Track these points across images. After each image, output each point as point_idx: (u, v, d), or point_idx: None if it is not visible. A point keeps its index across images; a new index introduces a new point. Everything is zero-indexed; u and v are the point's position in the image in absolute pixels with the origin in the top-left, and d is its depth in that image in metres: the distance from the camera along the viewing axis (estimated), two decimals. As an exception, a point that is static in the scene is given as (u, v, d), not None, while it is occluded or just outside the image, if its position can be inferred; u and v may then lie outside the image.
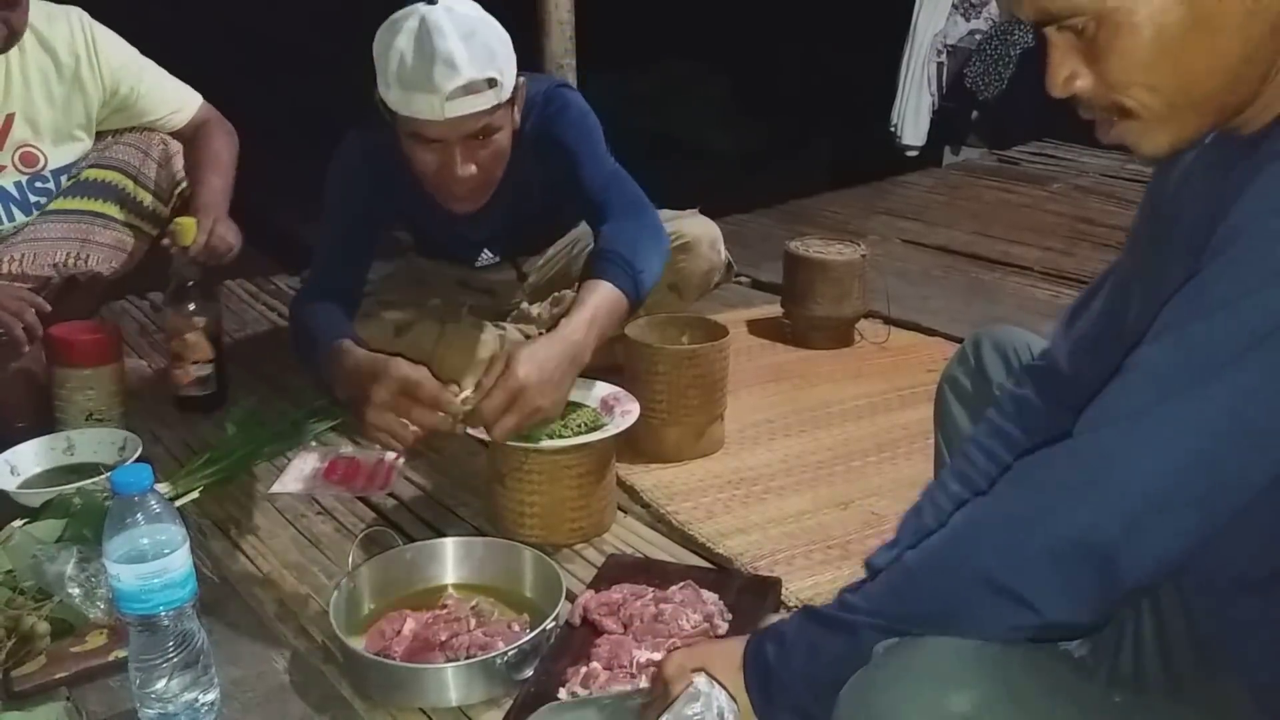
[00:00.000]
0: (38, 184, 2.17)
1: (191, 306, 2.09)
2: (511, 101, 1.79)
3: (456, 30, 1.66)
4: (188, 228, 2.03)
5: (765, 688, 0.99)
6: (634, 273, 1.72)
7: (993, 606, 0.88)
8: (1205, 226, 0.85)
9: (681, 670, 1.04)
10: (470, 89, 1.68)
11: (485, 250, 2.20)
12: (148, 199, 2.26)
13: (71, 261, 2.13)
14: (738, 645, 1.03)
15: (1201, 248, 0.84)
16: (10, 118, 2.12)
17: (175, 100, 2.28)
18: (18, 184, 2.15)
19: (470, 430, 1.61)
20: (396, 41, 1.68)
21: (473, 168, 1.78)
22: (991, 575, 0.88)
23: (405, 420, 1.54)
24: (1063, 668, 0.95)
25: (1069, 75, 0.89)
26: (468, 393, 1.58)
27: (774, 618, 1.50)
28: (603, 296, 1.69)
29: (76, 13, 2.17)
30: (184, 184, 2.28)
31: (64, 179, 2.20)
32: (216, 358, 2.16)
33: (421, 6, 1.69)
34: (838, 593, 1.00)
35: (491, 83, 1.70)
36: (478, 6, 1.75)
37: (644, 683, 1.28)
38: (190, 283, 2.09)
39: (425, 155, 1.78)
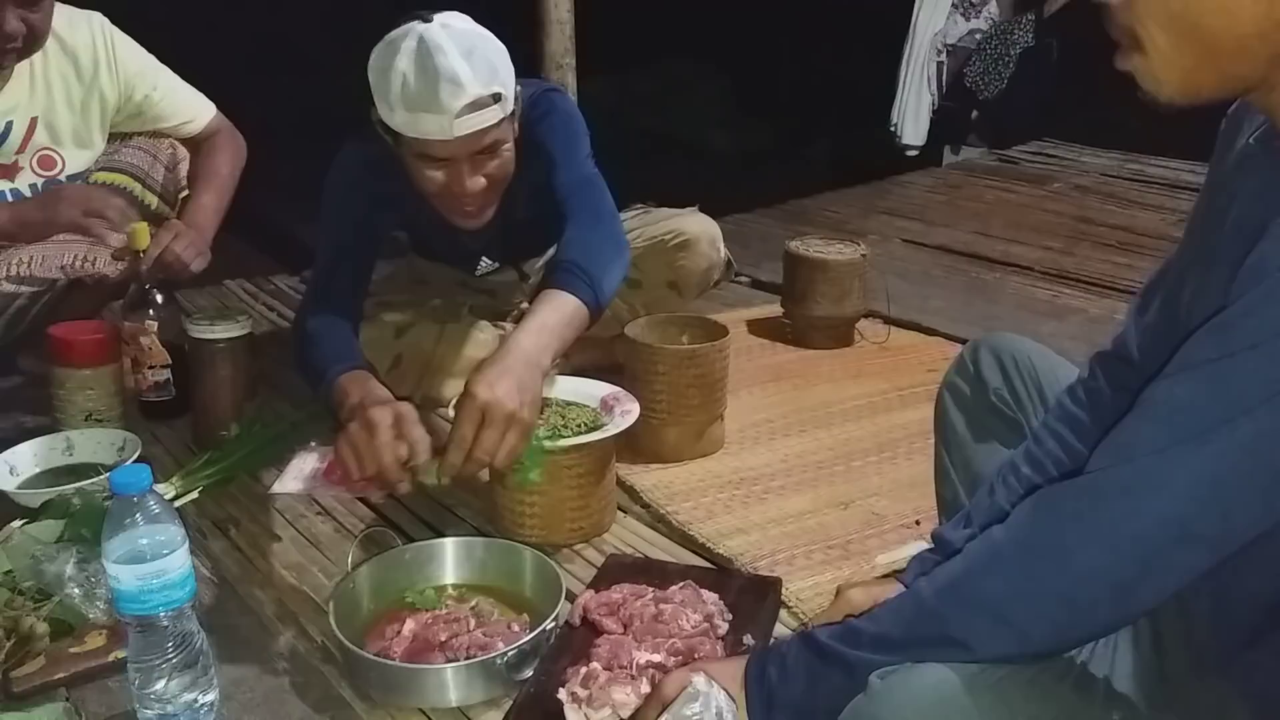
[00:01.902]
0: (52, 188, 2.17)
1: (149, 311, 2.03)
2: (514, 113, 1.79)
3: (457, 48, 1.65)
4: (140, 233, 2.02)
5: (768, 711, 0.99)
6: (589, 279, 1.67)
7: (1002, 637, 0.89)
8: (1252, 231, 0.85)
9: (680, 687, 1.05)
10: (477, 105, 1.68)
11: (483, 258, 2.20)
12: (154, 202, 2.27)
13: (79, 264, 2.13)
14: (738, 665, 1.04)
15: (1247, 252, 0.84)
16: (33, 121, 2.12)
17: (188, 110, 2.28)
18: (33, 187, 2.15)
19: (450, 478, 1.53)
20: (397, 63, 1.66)
21: (481, 180, 1.78)
22: (1003, 608, 0.89)
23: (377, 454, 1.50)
24: (1062, 689, 0.95)
25: None
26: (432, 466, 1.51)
27: (775, 625, 1.50)
28: (553, 305, 1.64)
29: (97, 17, 2.17)
30: (186, 191, 2.28)
31: (77, 183, 2.21)
32: (175, 363, 2.08)
33: (418, 25, 1.67)
34: (843, 619, 1.00)
35: (496, 97, 1.70)
36: (472, 21, 1.74)
37: (645, 684, 1.28)
38: (147, 286, 2.04)
39: (433, 174, 1.77)
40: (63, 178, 2.18)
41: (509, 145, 1.80)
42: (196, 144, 2.30)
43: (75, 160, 2.19)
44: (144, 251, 2.03)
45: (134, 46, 2.22)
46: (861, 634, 0.95)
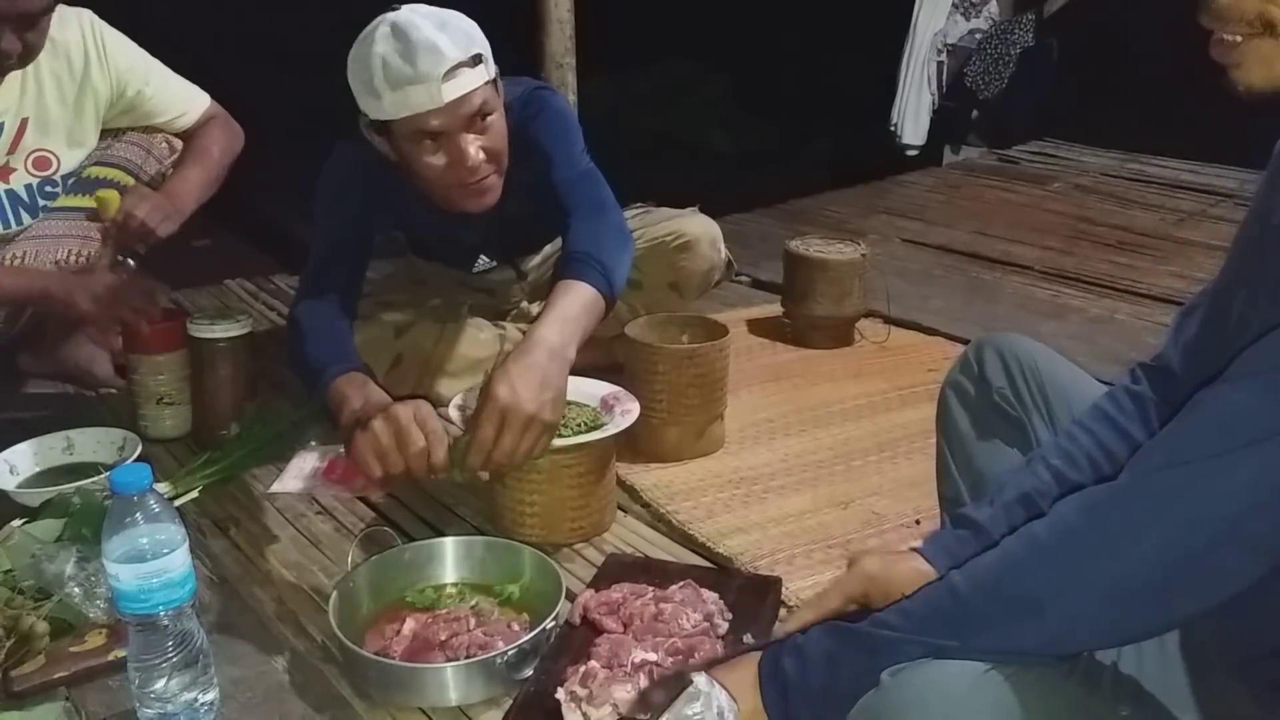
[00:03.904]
0: (47, 188, 2.17)
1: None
2: (495, 85, 1.79)
3: (430, 22, 1.70)
4: (106, 201, 2.01)
5: (783, 702, 0.99)
6: (603, 269, 1.69)
7: (1042, 635, 0.89)
8: None
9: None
10: (460, 68, 1.70)
11: (480, 256, 2.20)
12: None
13: (73, 259, 2.13)
14: (747, 665, 1.03)
15: None
16: (24, 122, 2.11)
17: (182, 103, 2.27)
18: (28, 187, 2.14)
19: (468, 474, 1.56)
20: (374, 49, 1.70)
21: (481, 154, 1.78)
22: (1045, 606, 0.89)
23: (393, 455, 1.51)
24: (1071, 685, 0.95)
25: None
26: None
27: (775, 625, 1.50)
28: (573, 295, 1.66)
29: (87, 15, 2.16)
30: None
31: (70, 181, 2.20)
32: None
33: (387, 15, 1.72)
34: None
35: (477, 59, 1.73)
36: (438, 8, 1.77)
37: (644, 683, 1.28)
38: (120, 257, 2.05)
39: (432, 156, 1.77)
40: (58, 177, 2.17)
41: (499, 115, 1.81)
42: (192, 135, 2.29)
43: (70, 159, 2.18)
44: (106, 222, 2.03)
45: (124, 42, 2.20)
46: (888, 626, 0.94)
